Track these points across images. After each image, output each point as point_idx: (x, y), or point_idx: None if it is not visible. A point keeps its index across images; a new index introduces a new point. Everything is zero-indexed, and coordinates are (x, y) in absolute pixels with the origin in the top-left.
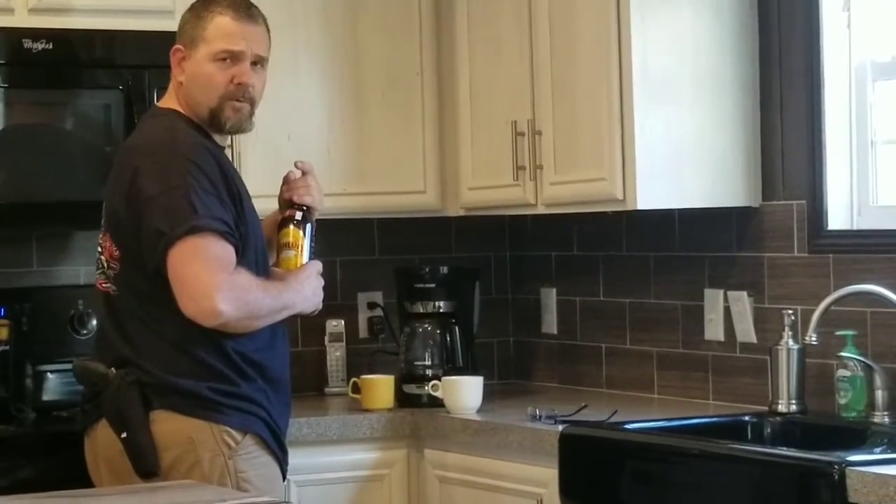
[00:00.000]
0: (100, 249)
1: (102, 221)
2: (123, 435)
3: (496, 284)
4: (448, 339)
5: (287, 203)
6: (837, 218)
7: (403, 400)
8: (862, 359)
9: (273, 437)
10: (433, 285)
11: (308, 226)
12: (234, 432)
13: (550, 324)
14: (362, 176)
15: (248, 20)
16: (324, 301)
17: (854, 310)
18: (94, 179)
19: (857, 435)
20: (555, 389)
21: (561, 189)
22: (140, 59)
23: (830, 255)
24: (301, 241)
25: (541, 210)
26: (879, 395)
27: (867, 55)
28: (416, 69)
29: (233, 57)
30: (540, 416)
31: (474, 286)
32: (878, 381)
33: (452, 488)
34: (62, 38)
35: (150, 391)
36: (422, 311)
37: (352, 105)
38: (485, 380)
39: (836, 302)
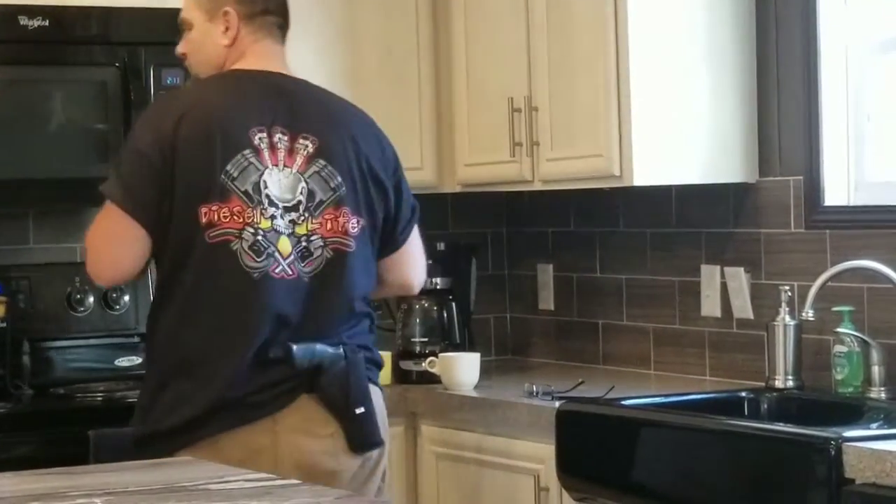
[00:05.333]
0: (307, 229)
1: (333, 196)
2: (360, 410)
3: (493, 261)
4: (445, 315)
5: None
6: (834, 194)
7: (400, 376)
8: (858, 334)
9: None
10: (430, 262)
11: None
12: None
13: (547, 300)
14: None
15: None
16: None
17: (851, 286)
18: (89, 156)
19: (854, 410)
20: (551, 366)
21: (558, 165)
22: (136, 35)
23: (827, 231)
24: None
25: (537, 186)
26: (876, 370)
27: (864, 31)
28: (413, 45)
29: None
30: (537, 393)
31: (471, 263)
32: (875, 356)
33: (449, 465)
34: (58, 15)
35: (368, 366)
36: None
37: (348, 82)
38: (481, 356)
39: (833, 278)
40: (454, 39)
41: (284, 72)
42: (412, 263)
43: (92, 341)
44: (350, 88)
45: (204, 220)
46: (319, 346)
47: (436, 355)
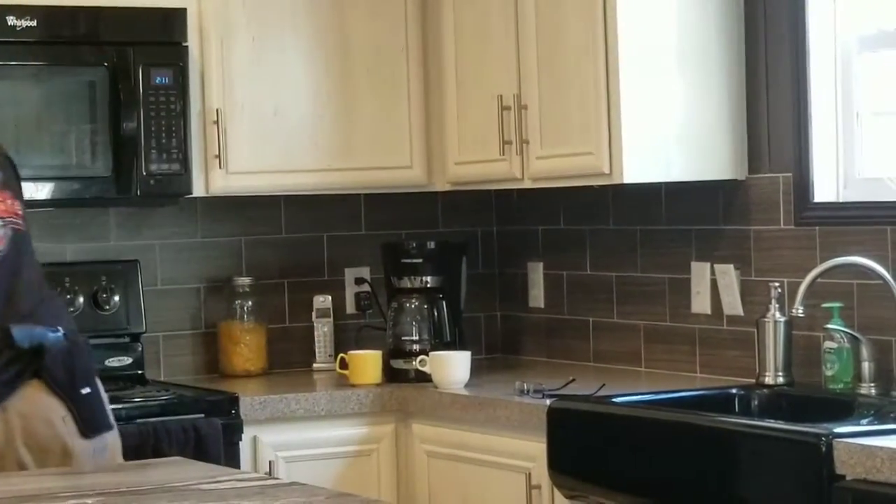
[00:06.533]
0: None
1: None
2: (86, 391)
3: (483, 259)
4: (435, 313)
5: None
6: (823, 190)
7: (391, 375)
8: (848, 331)
9: None
10: (420, 260)
11: None
12: None
13: (537, 298)
14: (349, 151)
15: None
16: (311, 276)
17: (840, 282)
18: (78, 156)
19: (844, 406)
20: (542, 364)
21: (547, 163)
22: (125, 35)
23: (817, 228)
24: None
25: (527, 184)
26: (866, 366)
27: (852, 27)
28: (402, 44)
29: None
30: (528, 391)
31: (461, 261)
32: (865, 352)
33: (441, 463)
34: (46, 15)
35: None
36: (409, 286)
37: (338, 80)
38: (472, 354)
39: (823, 274)
40: (443, 38)
41: None
42: None
43: None
44: (340, 88)
45: None
46: (38, 329)
47: (426, 354)
